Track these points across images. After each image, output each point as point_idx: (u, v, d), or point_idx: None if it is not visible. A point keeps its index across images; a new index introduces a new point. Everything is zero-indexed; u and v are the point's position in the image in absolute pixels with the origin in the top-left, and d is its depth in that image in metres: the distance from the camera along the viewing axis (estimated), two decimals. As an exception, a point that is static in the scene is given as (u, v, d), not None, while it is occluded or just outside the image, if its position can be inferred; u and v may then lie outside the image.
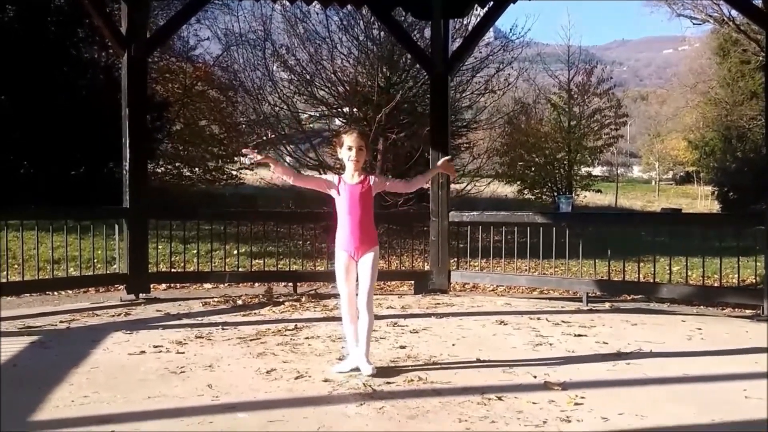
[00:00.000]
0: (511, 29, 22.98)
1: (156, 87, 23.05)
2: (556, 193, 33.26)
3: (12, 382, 4.93)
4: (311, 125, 21.12)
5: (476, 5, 9.95)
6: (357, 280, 5.27)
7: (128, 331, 6.57)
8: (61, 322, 7.06)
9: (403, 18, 14.93)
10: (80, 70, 18.81)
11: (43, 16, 18.45)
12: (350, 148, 5.21)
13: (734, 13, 29.37)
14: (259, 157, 5.23)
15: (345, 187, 5.24)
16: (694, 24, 36.44)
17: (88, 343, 6.07)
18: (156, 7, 20.49)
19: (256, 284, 9.71)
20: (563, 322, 7.30)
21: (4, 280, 8.55)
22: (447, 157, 6.02)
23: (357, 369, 5.19)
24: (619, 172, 58.47)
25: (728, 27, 32.58)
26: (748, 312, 8.18)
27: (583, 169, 36.62)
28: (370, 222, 5.28)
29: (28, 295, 8.57)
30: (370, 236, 5.26)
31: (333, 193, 5.29)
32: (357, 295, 5.26)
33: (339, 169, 15.30)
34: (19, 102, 17.33)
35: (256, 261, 10.60)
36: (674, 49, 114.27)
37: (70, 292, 9.08)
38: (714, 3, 32.97)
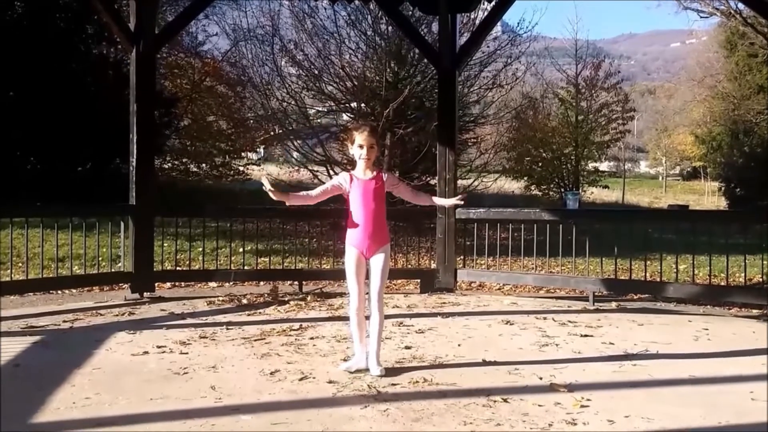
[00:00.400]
0: (518, 23, 22.93)
1: (164, 83, 23.10)
2: (563, 189, 33.15)
3: (13, 383, 4.92)
4: (319, 120, 21.14)
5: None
6: (366, 279, 5.25)
7: (132, 331, 6.56)
8: (64, 321, 7.05)
9: (410, 13, 14.90)
10: (88, 67, 18.85)
11: (51, 13, 18.48)
12: (362, 146, 5.18)
13: (741, 5, 29.14)
14: (270, 188, 5.08)
15: (358, 183, 5.21)
16: (701, 17, 36.23)
17: (91, 344, 6.06)
18: (164, 3, 20.55)
19: (262, 283, 9.69)
20: (570, 322, 7.27)
21: (7, 279, 8.53)
22: (461, 200, 5.85)
23: (362, 370, 5.18)
24: (626, 167, 58.20)
25: (735, 20, 32.30)
26: (754, 312, 8.14)
27: (591, 165, 36.48)
28: (382, 218, 5.26)
29: (31, 293, 8.52)
30: (382, 233, 5.24)
31: (347, 192, 5.24)
32: (367, 294, 5.24)
33: (347, 164, 15.35)
34: (27, 98, 17.38)
35: (262, 259, 10.53)
36: (682, 42, 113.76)
37: (74, 290, 9.07)
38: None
